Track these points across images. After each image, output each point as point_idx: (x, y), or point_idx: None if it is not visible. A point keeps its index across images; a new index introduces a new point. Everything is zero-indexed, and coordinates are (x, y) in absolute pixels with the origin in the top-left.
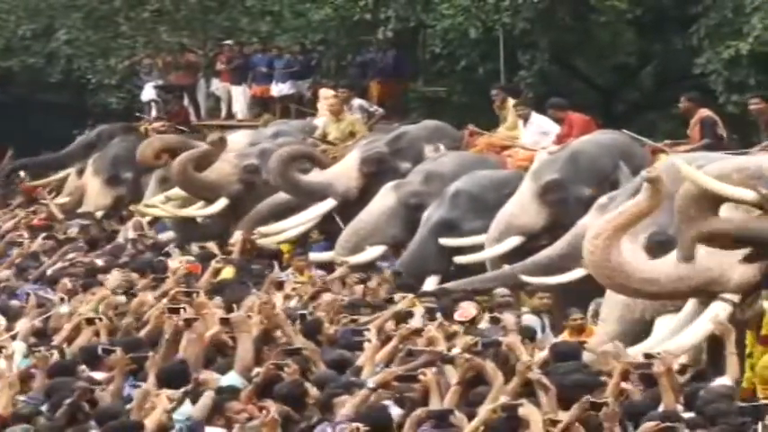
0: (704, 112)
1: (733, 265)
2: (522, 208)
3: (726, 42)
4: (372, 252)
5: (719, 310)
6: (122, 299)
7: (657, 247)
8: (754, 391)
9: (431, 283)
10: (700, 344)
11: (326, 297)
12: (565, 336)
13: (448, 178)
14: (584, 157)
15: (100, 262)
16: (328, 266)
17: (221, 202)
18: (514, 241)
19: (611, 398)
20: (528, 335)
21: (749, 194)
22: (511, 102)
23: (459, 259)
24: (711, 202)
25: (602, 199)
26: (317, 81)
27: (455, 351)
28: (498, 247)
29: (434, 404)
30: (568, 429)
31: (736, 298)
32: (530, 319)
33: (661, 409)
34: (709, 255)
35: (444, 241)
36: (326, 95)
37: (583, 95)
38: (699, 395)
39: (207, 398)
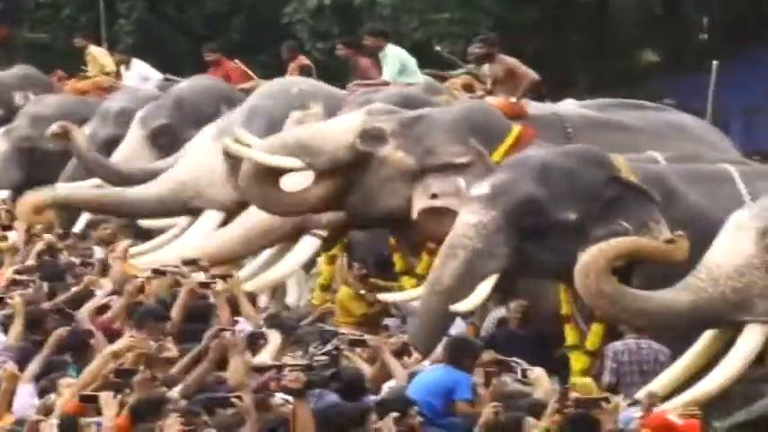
0: (303, 60)
1: None
2: (133, 152)
3: None
4: None
5: (308, 243)
6: None
7: None
8: None
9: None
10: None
11: None
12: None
13: (54, 118)
14: (188, 102)
15: None
16: None
17: None
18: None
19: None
20: None
21: (295, 162)
22: (93, 49)
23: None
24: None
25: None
26: None
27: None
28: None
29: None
30: None
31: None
32: None
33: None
34: None
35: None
36: None
37: (177, 43)
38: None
39: None
